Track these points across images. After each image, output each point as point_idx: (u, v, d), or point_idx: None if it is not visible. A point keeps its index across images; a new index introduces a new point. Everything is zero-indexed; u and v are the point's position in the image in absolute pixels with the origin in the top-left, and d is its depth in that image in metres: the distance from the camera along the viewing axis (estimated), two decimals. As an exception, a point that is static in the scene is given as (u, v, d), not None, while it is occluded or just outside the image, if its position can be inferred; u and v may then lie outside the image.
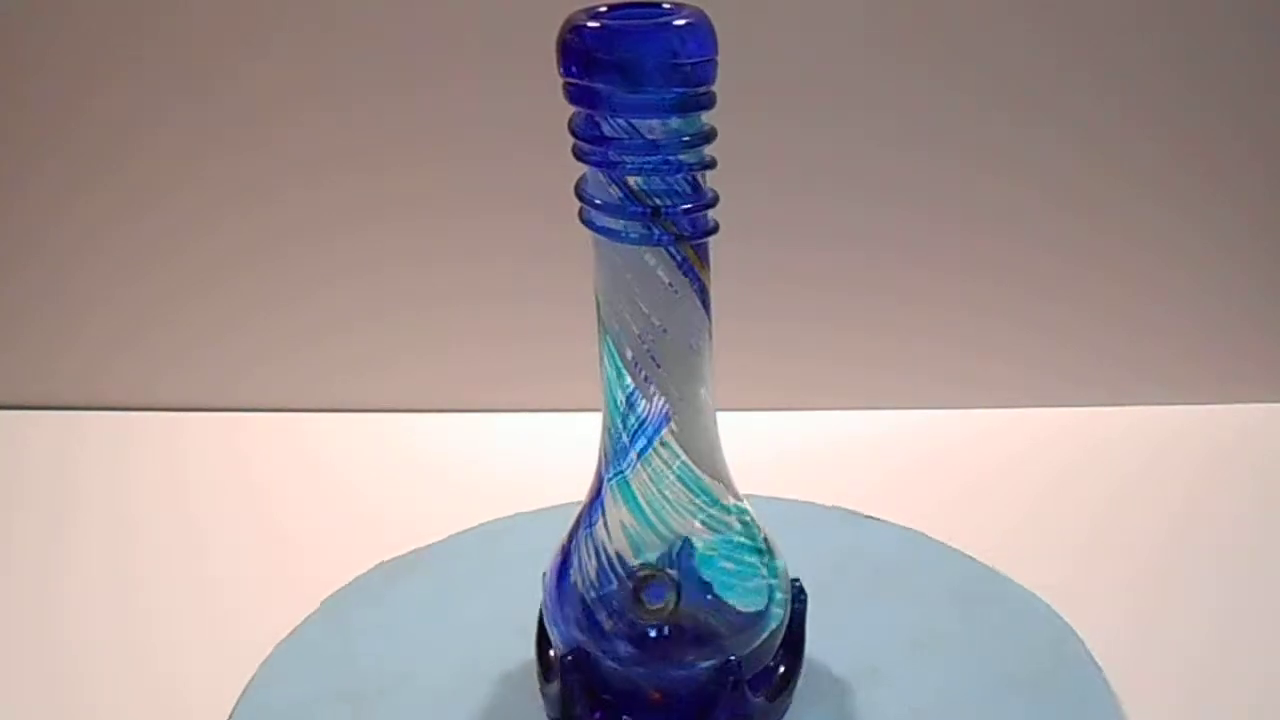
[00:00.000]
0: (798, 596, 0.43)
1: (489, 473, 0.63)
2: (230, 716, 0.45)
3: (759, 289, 0.66)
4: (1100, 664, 0.45)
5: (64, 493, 0.64)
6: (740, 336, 0.66)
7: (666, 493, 0.40)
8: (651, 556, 0.40)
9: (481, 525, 0.54)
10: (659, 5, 0.36)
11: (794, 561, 0.43)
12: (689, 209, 0.36)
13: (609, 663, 0.40)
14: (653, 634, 0.40)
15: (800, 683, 0.43)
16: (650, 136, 0.35)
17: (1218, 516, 0.57)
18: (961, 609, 0.48)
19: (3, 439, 0.69)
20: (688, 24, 0.35)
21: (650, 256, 0.37)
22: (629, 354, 0.39)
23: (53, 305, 0.70)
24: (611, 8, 0.36)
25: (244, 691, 0.46)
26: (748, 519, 0.41)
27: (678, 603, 0.40)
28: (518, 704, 0.44)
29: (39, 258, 0.69)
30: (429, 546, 0.54)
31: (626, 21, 0.35)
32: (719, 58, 0.35)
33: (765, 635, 0.41)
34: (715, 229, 0.37)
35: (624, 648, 0.40)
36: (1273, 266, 0.64)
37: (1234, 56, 0.60)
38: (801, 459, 0.64)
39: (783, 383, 0.67)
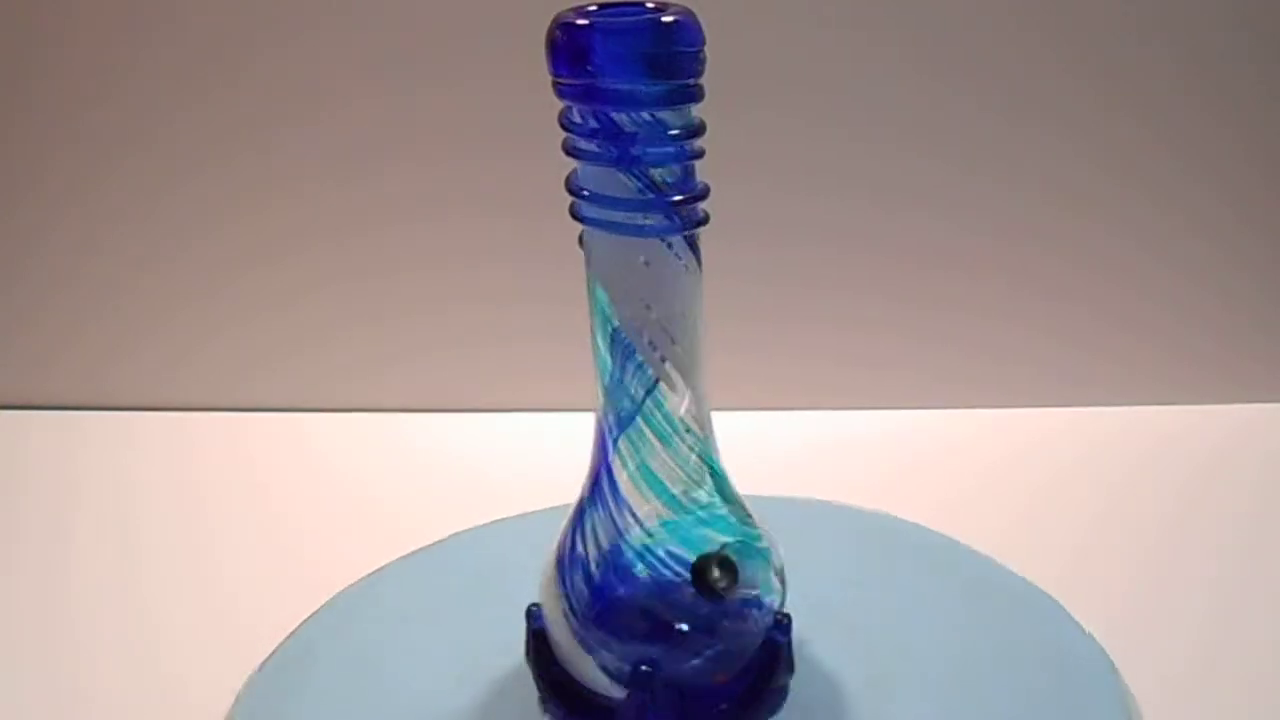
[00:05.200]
0: (779, 631, 0.42)
1: (489, 473, 0.64)
2: (229, 714, 0.45)
3: (759, 289, 0.66)
4: (1107, 652, 0.45)
5: (66, 493, 0.64)
6: (741, 337, 0.66)
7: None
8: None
9: (481, 526, 0.55)
10: (643, 4, 0.36)
11: (790, 557, 0.43)
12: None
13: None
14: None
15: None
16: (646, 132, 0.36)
17: (1217, 516, 0.57)
18: (965, 603, 0.49)
19: (5, 439, 0.69)
20: (675, 20, 0.35)
21: (678, 251, 0.38)
22: (644, 339, 0.39)
23: (55, 305, 0.70)
24: (601, 6, 0.36)
25: (241, 692, 0.46)
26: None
27: (735, 580, 0.39)
28: (514, 704, 0.44)
29: (42, 257, 0.69)
30: (430, 546, 0.54)
31: (614, 19, 0.35)
32: (717, 56, 0.35)
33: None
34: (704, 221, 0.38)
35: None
36: (1273, 266, 0.64)
37: (1232, 56, 0.60)
38: (802, 459, 0.64)
39: (783, 383, 0.68)
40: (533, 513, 0.54)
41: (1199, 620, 0.51)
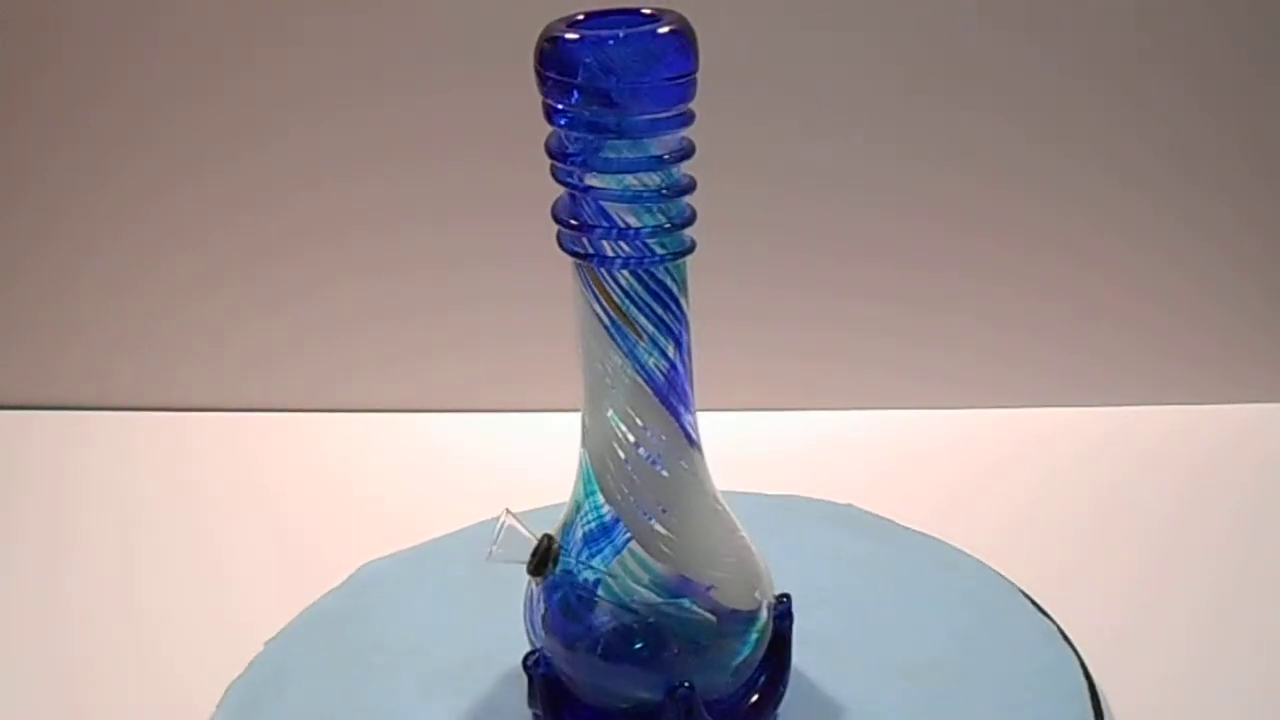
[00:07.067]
0: (782, 618, 0.42)
1: (489, 473, 0.64)
2: (218, 705, 0.45)
3: (759, 290, 0.66)
4: (1086, 660, 0.45)
5: (68, 493, 0.64)
6: (741, 337, 0.66)
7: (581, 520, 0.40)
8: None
9: (481, 526, 0.54)
10: (638, 12, 0.36)
11: (784, 558, 0.43)
12: (573, 227, 0.37)
13: (564, 669, 0.40)
14: (601, 647, 0.40)
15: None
16: (565, 147, 0.35)
17: (1216, 517, 0.57)
18: (961, 611, 0.49)
19: (7, 439, 0.70)
20: (670, 32, 0.34)
21: (574, 272, 0.38)
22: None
23: (57, 305, 0.70)
24: (589, 15, 0.35)
25: (229, 687, 0.46)
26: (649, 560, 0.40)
27: (547, 565, 0.39)
28: (511, 704, 0.44)
29: (43, 257, 0.69)
30: (426, 544, 0.54)
31: (597, 31, 0.34)
32: (708, 56, 0.35)
33: (733, 661, 0.40)
34: (610, 263, 0.37)
35: (564, 653, 0.40)
36: (1273, 266, 0.64)
37: (1230, 55, 0.60)
38: (801, 459, 0.64)
39: (782, 383, 0.68)
40: (532, 512, 0.53)
41: (1197, 620, 0.51)
